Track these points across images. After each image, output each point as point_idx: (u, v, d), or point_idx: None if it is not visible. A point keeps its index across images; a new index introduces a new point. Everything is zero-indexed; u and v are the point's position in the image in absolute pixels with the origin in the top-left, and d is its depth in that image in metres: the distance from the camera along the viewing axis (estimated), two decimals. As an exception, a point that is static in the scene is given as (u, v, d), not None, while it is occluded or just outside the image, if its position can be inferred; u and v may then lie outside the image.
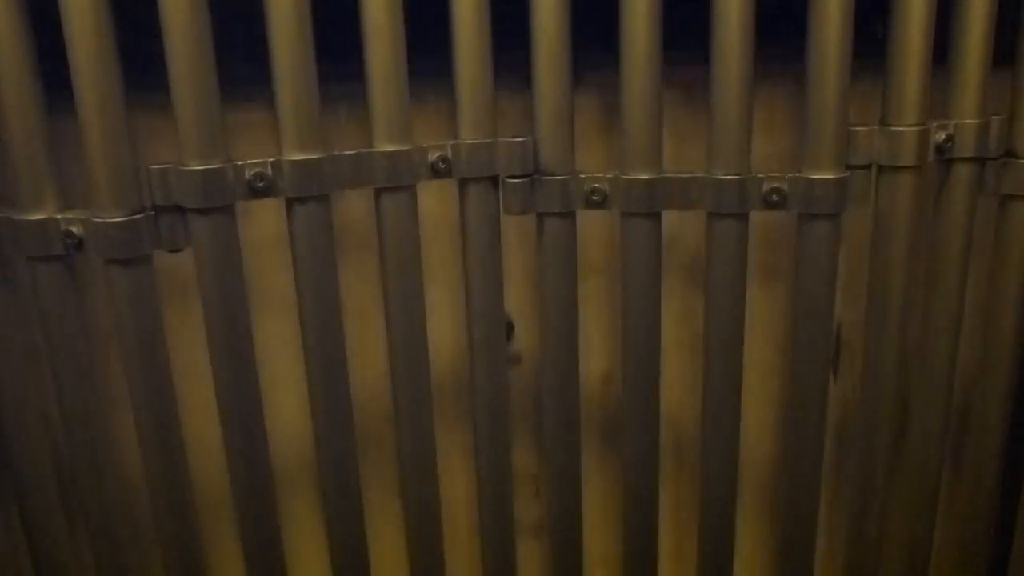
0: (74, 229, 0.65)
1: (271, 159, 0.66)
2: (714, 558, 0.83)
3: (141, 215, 0.64)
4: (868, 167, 0.72)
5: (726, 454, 0.79)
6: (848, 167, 0.71)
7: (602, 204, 0.72)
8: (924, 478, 0.83)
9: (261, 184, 0.66)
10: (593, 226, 0.83)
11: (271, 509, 0.75)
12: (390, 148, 0.68)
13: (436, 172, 0.70)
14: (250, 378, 0.70)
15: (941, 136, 0.72)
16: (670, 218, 0.74)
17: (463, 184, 0.72)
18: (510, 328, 0.85)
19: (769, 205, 0.71)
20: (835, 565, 0.90)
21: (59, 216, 0.65)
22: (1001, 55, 0.72)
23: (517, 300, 0.84)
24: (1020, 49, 0.73)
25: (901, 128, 0.71)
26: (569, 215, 0.73)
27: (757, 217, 0.73)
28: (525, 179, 0.72)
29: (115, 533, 0.73)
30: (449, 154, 0.70)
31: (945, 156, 0.73)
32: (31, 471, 0.71)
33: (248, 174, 0.65)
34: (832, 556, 0.93)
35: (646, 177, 0.71)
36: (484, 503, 0.81)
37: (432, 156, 0.70)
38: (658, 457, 0.80)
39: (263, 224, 0.77)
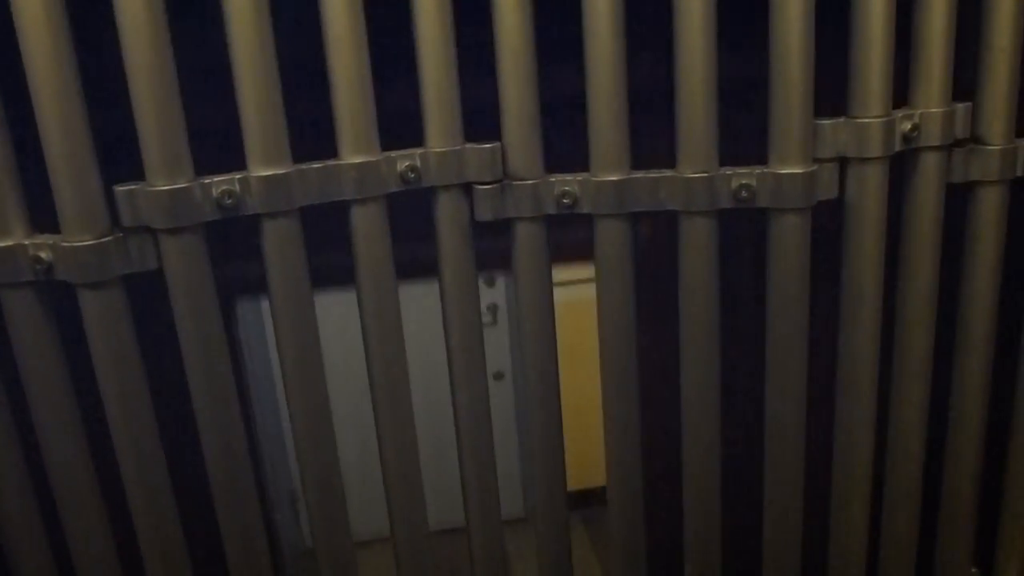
0: (43, 254, 0.64)
1: (238, 175, 0.66)
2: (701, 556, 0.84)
3: (109, 238, 0.64)
4: (835, 160, 0.73)
5: (708, 450, 0.80)
6: (815, 160, 0.72)
7: (573, 207, 0.72)
8: (905, 466, 0.83)
9: (229, 201, 0.65)
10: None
11: (257, 526, 0.75)
12: (358, 160, 0.68)
13: (405, 181, 0.70)
14: (227, 395, 0.70)
15: (907, 126, 0.73)
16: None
17: (433, 193, 0.72)
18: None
19: (738, 202, 0.71)
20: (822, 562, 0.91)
21: (27, 242, 0.65)
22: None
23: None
24: (982, 35, 0.73)
25: (867, 120, 0.71)
26: (541, 219, 0.73)
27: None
28: (495, 185, 0.72)
29: (97, 553, 0.73)
30: (418, 163, 0.70)
31: (912, 145, 0.74)
32: (8, 489, 0.71)
33: (216, 192, 0.65)
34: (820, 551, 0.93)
35: (615, 178, 0.71)
36: (470, 513, 0.81)
37: (401, 166, 0.70)
38: (641, 457, 0.80)
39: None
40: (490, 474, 0.80)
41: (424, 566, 0.80)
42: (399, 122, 0.70)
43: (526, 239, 0.74)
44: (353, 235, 0.70)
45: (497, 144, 0.71)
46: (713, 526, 0.82)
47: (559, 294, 0.78)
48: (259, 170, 0.66)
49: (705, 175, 0.71)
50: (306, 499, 0.76)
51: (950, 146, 0.75)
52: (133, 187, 0.64)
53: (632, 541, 0.83)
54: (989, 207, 0.77)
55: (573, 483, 0.84)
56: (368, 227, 0.70)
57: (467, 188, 0.72)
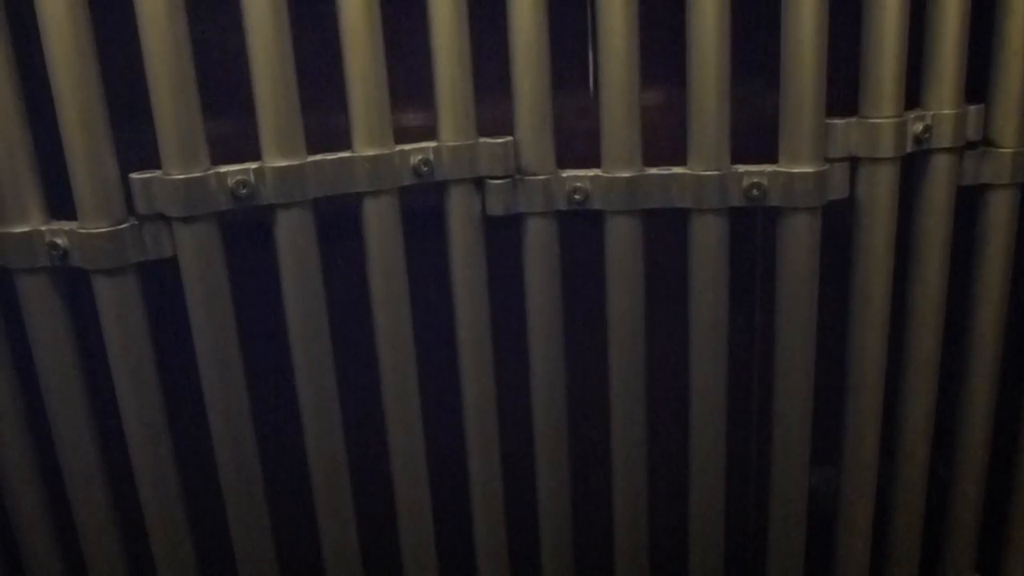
0: (59, 240, 0.65)
1: (253, 166, 0.66)
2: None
3: (125, 225, 0.65)
4: (847, 160, 0.73)
5: (713, 452, 0.80)
6: (827, 160, 0.72)
7: (584, 203, 0.73)
8: (912, 469, 0.83)
9: (244, 191, 0.66)
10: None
11: (263, 519, 0.75)
12: (371, 152, 0.69)
13: (418, 175, 0.70)
14: (238, 384, 0.71)
15: (919, 127, 0.73)
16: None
17: (445, 186, 0.72)
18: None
19: (749, 200, 0.72)
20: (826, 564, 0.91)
21: (44, 228, 0.65)
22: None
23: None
24: (995, 37, 0.73)
25: (879, 120, 0.71)
26: (552, 215, 0.74)
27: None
28: (507, 180, 0.72)
29: (107, 545, 0.73)
30: (431, 157, 0.70)
31: (923, 147, 0.74)
32: (18, 479, 0.71)
33: (231, 182, 0.66)
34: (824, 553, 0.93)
35: (627, 175, 0.71)
36: (477, 516, 0.81)
37: (414, 159, 0.70)
38: (647, 460, 0.81)
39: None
40: (495, 458, 0.80)
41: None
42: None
43: (537, 234, 0.74)
44: (365, 227, 0.71)
45: (510, 139, 0.71)
46: (717, 524, 0.82)
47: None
48: (274, 161, 0.66)
49: (717, 173, 0.71)
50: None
51: (962, 148, 0.75)
52: (149, 175, 0.65)
53: (636, 540, 0.83)
54: (1000, 210, 0.77)
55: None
56: (380, 219, 0.70)
57: (479, 182, 0.73)
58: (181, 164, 0.64)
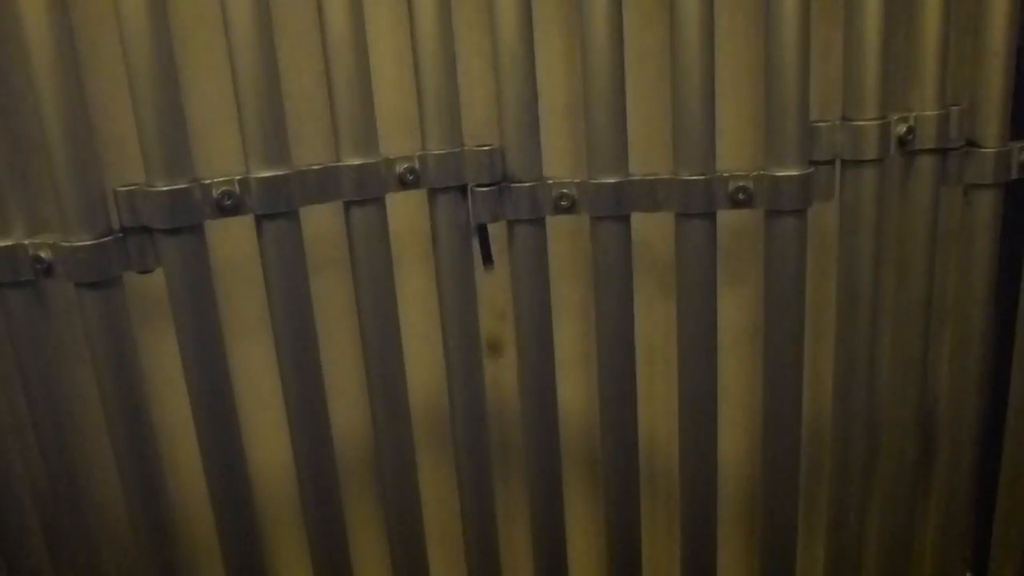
0: (43, 254, 0.64)
1: (238, 176, 0.66)
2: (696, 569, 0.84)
3: (109, 238, 0.64)
4: (832, 162, 0.73)
5: (704, 460, 0.80)
6: (812, 162, 0.72)
7: (571, 209, 0.73)
8: (900, 468, 0.83)
9: (229, 202, 0.66)
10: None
11: (252, 535, 0.75)
12: (357, 161, 0.68)
13: (404, 183, 0.70)
14: (225, 397, 0.70)
15: (902, 128, 0.73)
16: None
17: (432, 194, 0.72)
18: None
19: (736, 204, 0.72)
20: (816, 564, 0.91)
21: (27, 241, 0.65)
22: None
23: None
24: (976, 38, 0.74)
25: (862, 122, 0.72)
26: (539, 221, 0.74)
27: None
28: (493, 187, 0.72)
29: (95, 559, 0.72)
30: (416, 165, 0.70)
31: (907, 148, 0.74)
32: (7, 495, 0.70)
33: (215, 192, 0.65)
34: (812, 553, 0.93)
35: (613, 181, 0.72)
36: (467, 518, 0.81)
37: (400, 167, 0.70)
38: (638, 464, 0.81)
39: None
40: (484, 467, 0.80)
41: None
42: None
43: (524, 241, 0.74)
44: (352, 236, 0.71)
45: (496, 146, 0.71)
46: (710, 524, 0.82)
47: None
48: (259, 171, 0.66)
49: (702, 177, 0.71)
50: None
51: (945, 149, 0.75)
52: (133, 187, 0.64)
53: (628, 540, 0.83)
54: (984, 209, 0.77)
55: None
56: (367, 228, 0.70)
57: (465, 190, 0.72)
58: (165, 176, 0.64)
